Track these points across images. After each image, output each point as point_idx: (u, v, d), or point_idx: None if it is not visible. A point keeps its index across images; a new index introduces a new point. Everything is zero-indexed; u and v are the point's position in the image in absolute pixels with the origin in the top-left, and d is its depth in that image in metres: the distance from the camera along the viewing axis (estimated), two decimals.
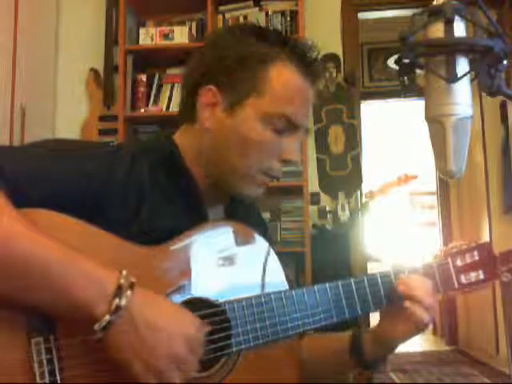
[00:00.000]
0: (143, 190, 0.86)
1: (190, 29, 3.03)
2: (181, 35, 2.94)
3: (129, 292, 0.72)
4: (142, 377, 0.73)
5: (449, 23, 1.11)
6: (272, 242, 0.97)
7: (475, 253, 0.98)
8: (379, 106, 5.56)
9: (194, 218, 0.91)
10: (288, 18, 3.01)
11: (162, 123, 2.94)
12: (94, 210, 0.81)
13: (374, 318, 1.01)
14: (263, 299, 0.86)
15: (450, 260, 0.97)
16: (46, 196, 0.78)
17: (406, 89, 1.20)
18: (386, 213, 6.21)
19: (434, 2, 1.18)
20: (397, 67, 1.20)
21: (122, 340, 0.72)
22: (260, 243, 0.94)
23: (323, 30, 3.11)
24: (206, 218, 0.93)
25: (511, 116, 3.35)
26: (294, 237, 2.88)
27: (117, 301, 0.71)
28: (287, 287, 0.93)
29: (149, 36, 2.97)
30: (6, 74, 2.64)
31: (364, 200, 3.26)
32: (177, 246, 0.86)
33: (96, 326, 0.71)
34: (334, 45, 3.13)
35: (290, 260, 2.81)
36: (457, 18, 1.12)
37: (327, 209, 3.03)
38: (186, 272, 0.85)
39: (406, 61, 1.18)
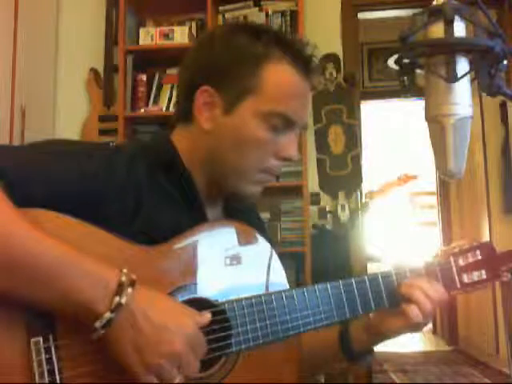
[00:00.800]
0: (142, 190, 0.86)
1: (190, 29, 3.03)
2: (181, 35, 2.94)
3: (129, 289, 0.73)
4: (142, 374, 0.73)
5: (449, 23, 1.11)
6: (272, 243, 0.97)
7: (477, 252, 0.98)
8: (379, 106, 5.56)
9: (193, 217, 0.91)
10: (288, 18, 3.01)
11: (161, 123, 2.94)
12: (94, 210, 0.81)
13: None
14: (263, 299, 0.86)
15: (452, 259, 0.97)
16: (45, 196, 0.78)
17: (406, 89, 1.20)
18: (386, 213, 6.21)
19: (434, 2, 1.18)
20: (397, 67, 1.20)
21: (123, 337, 0.72)
22: (262, 244, 0.94)
23: (323, 30, 3.11)
24: (204, 218, 0.93)
25: (511, 116, 3.35)
26: (294, 237, 2.88)
27: (117, 298, 0.72)
28: (288, 288, 0.93)
29: (149, 36, 2.97)
30: (6, 74, 2.64)
31: (364, 200, 3.26)
32: (177, 246, 0.86)
33: (97, 324, 0.71)
34: (334, 45, 3.13)
35: (290, 260, 2.81)
36: (457, 18, 1.11)
37: (327, 209, 3.03)
38: (187, 272, 0.85)
39: (406, 61, 1.18)
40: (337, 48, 3.13)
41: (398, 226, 6.27)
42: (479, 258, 0.97)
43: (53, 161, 0.82)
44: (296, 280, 2.81)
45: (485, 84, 1.13)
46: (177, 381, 0.74)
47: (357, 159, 3.00)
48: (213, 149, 0.91)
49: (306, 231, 2.82)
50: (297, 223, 2.90)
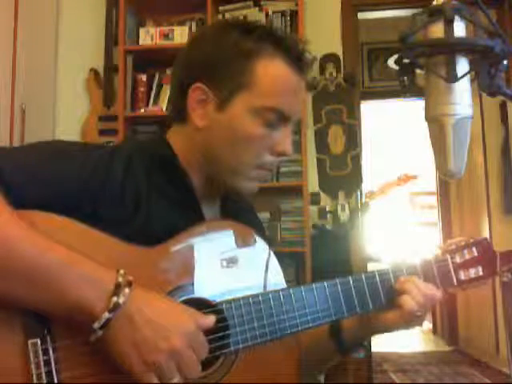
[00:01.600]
0: (140, 190, 0.86)
1: (190, 29, 3.03)
2: (181, 35, 2.94)
3: (127, 290, 0.73)
4: (141, 373, 0.73)
5: (449, 23, 1.11)
6: (270, 242, 0.97)
7: (474, 249, 0.98)
8: (379, 106, 5.56)
9: (191, 217, 0.90)
10: (288, 18, 3.00)
11: (161, 123, 2.93)
12: (92, 211, 0.81)
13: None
14: (261, 298, 0.86)
15: (448, 257, 0.97)
16: (43, 197, 0.78)
17: (406, 89, 1.20)
18: (386, 213, 6.21)
19: (434, 2, 1.18)
20: (397, 67, 1.20)
21: (121, 337, 0.72)
22: (260, 244, 0.94)
23: (323, 30, 3.11)
24: (202, 218, 0.93)
25: (511, 116, 3.35)
26: (294, 237, 2.88)
27: (115, 298, 0.72)
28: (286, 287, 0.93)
29: (149, 36, 2.97)
30: (6, 74, 2.64)
31: (364, 200, 3.26)
32: (174, 246, 0.86)
33: (95, 325, 0.71)
34: (334, 45, 3.13)
35: (290, 260, 2.81)
36: (457, 18, 1.11)
37: (327, 209, 3.03)
38: (184, 273, 0.85)
39: (406, 61, 1.17)
40: (337, 48, 3.13)
41: (398, 226, 6.27)
42: (475, 254, 0.97)
43: (51, 162, 0.82)
44: (296, 280, 2.81)
45: (485, 84, 1.12)
46: (175, 380, 0.74)
47: (357, 159, 2.99)
48: (208, 146, 0.91)
49: (306, 231, 2.82)
50: (297, 223, 2.90)
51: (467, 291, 0.99)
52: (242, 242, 0.91)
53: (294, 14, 2.99)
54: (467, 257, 0.97)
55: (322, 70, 3.06)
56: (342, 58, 3.11)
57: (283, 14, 3.01)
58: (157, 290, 0.79)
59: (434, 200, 5.31)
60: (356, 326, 0.96)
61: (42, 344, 0.73)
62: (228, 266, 0.88)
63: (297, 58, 0.91)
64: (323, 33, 3.09)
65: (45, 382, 0.72)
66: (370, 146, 4.33)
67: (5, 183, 0.75)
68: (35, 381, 0.72)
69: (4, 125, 2.62)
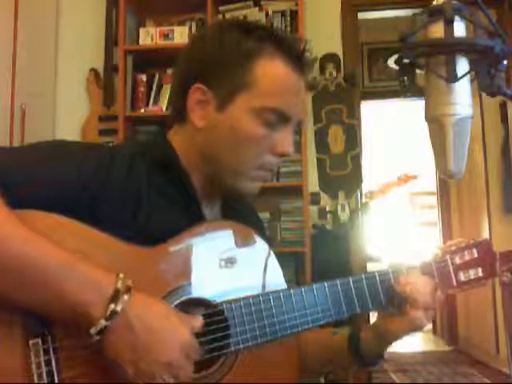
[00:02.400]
0: (141, 190, 0.86)
1: (190, 29, 3.03)
2: (181, 35, 2.94)
3: (125, 297, 0.73)
4: (136, 380, 0.73)
5: (449, 23, 1.11)
6: (270, 242, 0.97)
7: (474, 250, 0.98)
8: (379, 106, 5.56)
9: (191, 217, 0.90)
10: (288, 18, 3.00)
11: (161, 123, 2.93)
12: (92, 212, 0.81)
13: (373, 314, 1.01)
14: (261, 298, 0.86)
15: (448, 258, 0.97)
16: (43, 197, 0.78)
17: (406, 89, 1.20)
18: (385, 213, 6.21)
19: (434, 2, 1.18)
20: (397, 67, 1.20)
21: (118, 344, 0.72)
22: (259, 244, 0.94)
23: (323, 30, 3.11)
24: (202, 218, 0.93)
25: (511, 116, 3.35)
26: (294, 237, 2.88)
27: (112, 306, 0.72)
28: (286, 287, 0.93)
29: (149, 36, 2.97)
30: (6, 73, 2.64)
31: (364, 200, 3.26)
32: (175, 246, 0.85)
33: (92, 330, 0.71)
34: (334, 45, 3.13)
35: (290, 260, 2.81)
36: (457, 18, 1.11)
37: (327, 209, 3.03)
38: (185, 273, 0.85)
39: (406, 61, 1.17)
40: (337, 48, 3.13)
41: (398, 226, 6.27)
42: (475, 255, 0.97)
43: (51, 162, 0.82)
44: (296, 280, 2.81)
45: (485, 84, 1.12)
46: None
47: (357, 159, 2.99)
48: (208, 146, 0.91)
49: (305, 231, 2.82)
50: (297, 223, 2.90)
51: (467, 291, 0.99)
52: (242, 242, 0.91)
53: (294, 14, 2.98)
54: (467, 258, 0.97)
55: (322, 69, 3.06)
56: (342, 57, 3.12)
57: (283, 13, 3.01)
58: (157, 291, 0.79)
59: (434, 200, 5.31)
60: (372, 344, 0.96)
61: (42, 344, 0.73)
62: (227, 266, 0.88)
63: (297, 58, 0.90)
64: (323, 33, 3.09)
65: (46, 381, 0.72)
66: (370, 146, 4.33)
67: (4, 183, 0.75)
68: (36, 380, 0.72)
69: (4, 125, 2.62)
